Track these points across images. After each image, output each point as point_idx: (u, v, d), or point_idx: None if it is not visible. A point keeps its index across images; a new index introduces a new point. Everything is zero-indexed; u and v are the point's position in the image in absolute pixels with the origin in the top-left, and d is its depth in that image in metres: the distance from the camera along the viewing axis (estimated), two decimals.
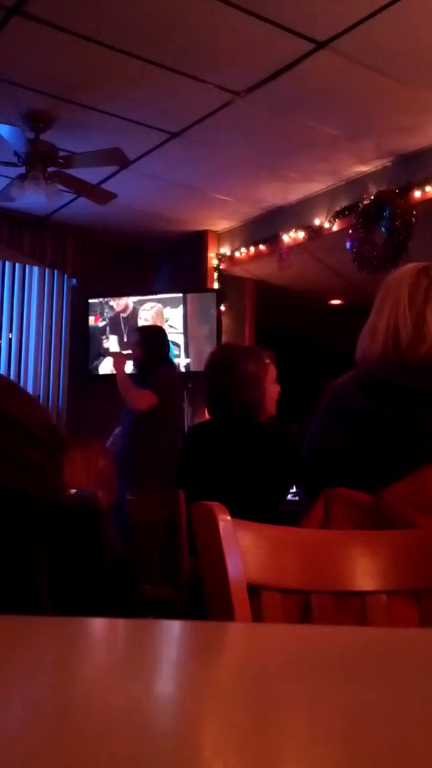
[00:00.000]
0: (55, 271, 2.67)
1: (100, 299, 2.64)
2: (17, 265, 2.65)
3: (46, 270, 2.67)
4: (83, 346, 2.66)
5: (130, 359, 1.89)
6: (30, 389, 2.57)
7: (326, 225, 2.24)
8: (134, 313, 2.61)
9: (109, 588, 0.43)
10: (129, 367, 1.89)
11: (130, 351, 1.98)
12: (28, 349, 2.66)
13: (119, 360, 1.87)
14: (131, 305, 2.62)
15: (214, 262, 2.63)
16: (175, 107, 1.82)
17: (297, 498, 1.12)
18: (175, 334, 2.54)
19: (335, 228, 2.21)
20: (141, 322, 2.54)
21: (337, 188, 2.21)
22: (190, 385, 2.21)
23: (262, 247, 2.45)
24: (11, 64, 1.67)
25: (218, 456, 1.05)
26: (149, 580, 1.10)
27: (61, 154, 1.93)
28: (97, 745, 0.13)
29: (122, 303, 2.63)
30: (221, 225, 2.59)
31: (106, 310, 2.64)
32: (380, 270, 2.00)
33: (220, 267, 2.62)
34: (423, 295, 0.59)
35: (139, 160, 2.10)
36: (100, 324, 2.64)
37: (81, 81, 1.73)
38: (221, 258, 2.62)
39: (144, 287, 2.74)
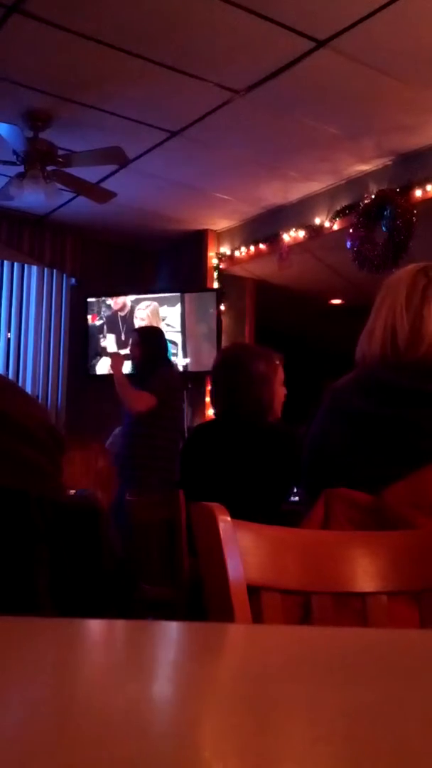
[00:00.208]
0: (54, 270, 2.67)
1: (98, 298, 2.63)
2: (16, 264, 2.65)
3: (45, 269, 2.67)
4: (82, 345, 2.65)
5: (127, 359, 1.88)
6: (29, 389, 2.56)
7: (327, 224, 2.24)
8: (132, 312, 2.60)
9: (109, 588, 0.42)
10: (127, 367, 1.88)
11: (127, 351, 1.97)
12: (26, 348, 2.65)
13: (117, 360, 1.86)
14: (129, 304, 2.61)
15: (214, 261, 2.63)
16: (174, 106, 1.81)
17: (298, 498, 1.12)
18: (172, 332, 2.54)
19: (336, 227, 2.20)
20: (137, 322, 2.53)
21: (338, 187, 2.21)
22: (189, 386, 2.21)
23: (262, 246, 2.44)
24: (10, 63, 1.67)
25: (225, 456, 1.05)
26: (149, 581, 1.09)
27: (61, 152, 1.92)
28: (96, 745, 0.13)
29: (120, 302, 2.62)
30: (221, 224, 2.59)
31: (103, 309, 2.63)
32: (381, 269, 2.00)
33: (220, 266, 2.62)
34: (420, 295, 0.59)
35: (139, 159, 2.10)
36: (98, 323, 2.64)
37: (80, 79, 1.72)
38: (221, 257, 2.61)
39: (143, 287, 2.74)
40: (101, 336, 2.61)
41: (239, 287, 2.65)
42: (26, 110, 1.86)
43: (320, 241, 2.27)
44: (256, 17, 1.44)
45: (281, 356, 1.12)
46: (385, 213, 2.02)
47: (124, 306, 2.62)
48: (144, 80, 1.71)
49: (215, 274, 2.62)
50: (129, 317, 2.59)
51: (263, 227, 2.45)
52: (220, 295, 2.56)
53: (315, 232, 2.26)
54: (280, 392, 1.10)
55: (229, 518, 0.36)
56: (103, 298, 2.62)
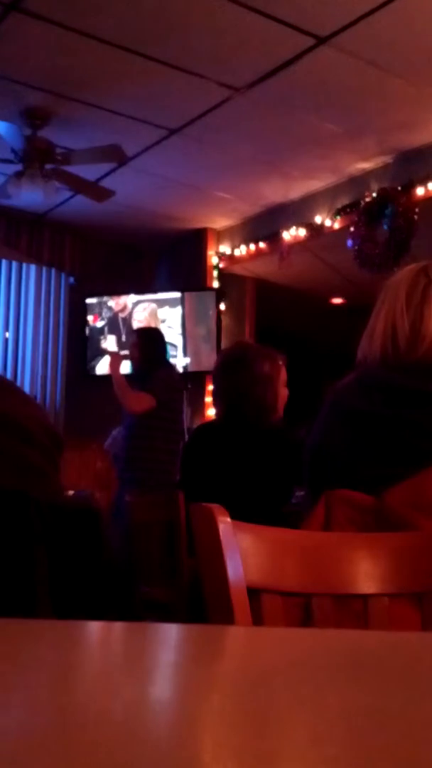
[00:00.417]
0: (53, 269, 2.67)
1: (99, 299, 2.63)
2: (14, 263, 2.64)
3: (44, 268, 2.66)
4: (81, 345, 2.65)
5: (126, 360, 1.87)
6: (27, 389, 2.56)
7: (327, 223, 2.23)
8: (132, 313, 2.60)
9: (108, 589, 0.42)
10: (125, 368, 1.88)
11: (126, 352, 1.97)
12: (25, 348, 2.65)
13: (115, 360, 1.85)
14: (129, 305, 2.61)
15: (214, 260, 2.63)
16: (174, 104, 1.81)
17: (299, 499, 1.12)
18: (172, 334, 2.53)
19: (336, 226, 2.19)
20: (135, 324, 2.53)
21: (339, 185, 2.20)
22: (189, 386, 2.21)
23: (262, 245, 2.44)
24: (9, 61, 1.66)
25: (227, 457, 1.05)
26: (149, 582, 1.09)
27: (59, 150, 1.92)
28: (96, 748, 0.13)
29: (121, 303, 2.62)
30: (221, 223, 2.58)
31: (105, 310, 2.63)
32: (382, 268, 1.99)
33: (220, 265, 2.61)
34: (420, 294, 0.59)
35: (138, 157, 2.09)
36: (99, 324, 2.64)
37: (79, 77, 1.72)
38: (221, 256, 2.61)
39: (142, 286, 2.74)
40: (102, 337, 2.61)
41: (239, 286, 2.65)
42: (25, 108, 1.85)
43: (321, 240, 2.27)
44: (257, 14, 1.44)
45: (284, 357, 1.11)
46: (387, 211, 2.01)
47: (125, 307, 2.62)
48: (143, 78, 1.70)
49: (215, 273, 2.62)
50: (129, 318, 2.59)
51: (263, 226, 2.44)
52: (220, 295, 2.56)
53: (316, 230, 2.26)
54: (283, 393, 1.09)
55: (228, 519, 0.36)
56: (105, 299, 2.62)
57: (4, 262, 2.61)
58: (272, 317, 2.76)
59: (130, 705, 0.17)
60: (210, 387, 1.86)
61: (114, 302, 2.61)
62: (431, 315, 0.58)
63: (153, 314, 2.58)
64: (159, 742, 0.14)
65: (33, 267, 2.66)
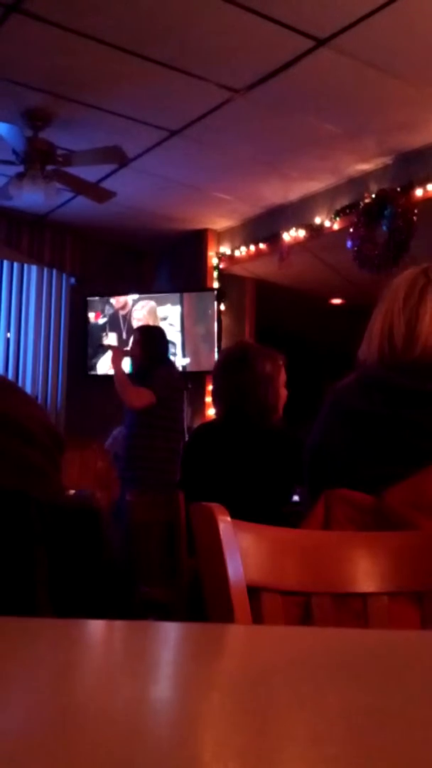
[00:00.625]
0: (54, 270, 2.67)
1: (98, 298, 2.63)
2: (15, 264, 2.64)
3: (45, 269, 2.67)
4: (82, 345, 2.66)
5: (127, 356, 1.87)
6: (28, 389, 2.56)
7: (327, 224, 2.23)
8: (132, 311, 2.61)
9: (108, 589, 0.42)
10: (127, 365, 1.88)
11: (128, 348, 1.97)
12: (26, 348, 2.65)
13: (117, 355, 1.85)
14: (130, 303, 2.62)
15: (214, 261, 2.63)
16: (174, 105, 1.81)
17: (298, 499, 1.12)
18: (173, 332, 2.53)
19: (336, 227, 2.20)
20: (135, 322, 2.54)
21: (338, 186, 2.21)
22: (189, 386, 2.22)
23: (262, 246, 2.44)
24: (10, 62, 1.67)
25: (227, 457, 1.05)
26: (149, 581, 1.09)
27: (60, 152, 1.92)
28: (96, 746, 0.13)
29: (121, 300, 2.63)
30: (221, 224, 2.59)
31: (107, 308, 2.63)
32: (381, 269, 2.00)
33: (220, 266, 2.62)
34: (417, 295, 0.60)
35: (139, 159, 2.09)
36: (101, 321, 2.64)
37: (80, 79, 1.72)
38: (221, 257, 2.61)
39: (143, 286, 2.74)
40: (104, 334, 2.61)
41: (239, 287, 2.65)
42: (26, 109, 1.86)
43: (320, 240, 2.27)
44: (256, 16, 1.44)
45: (284, 357, 1.11)
46: (386, 212, 2.02)
47: (125, 305, 2.62)
48: (143, 79, 1.70)
49: (215, 273, 2.62)
50: (129, 316, 2.59)
51: (263, 227, 2.45)
52: (220, 295, 2.56)
53: (315, 231, 2.26)
54: (283, 393, 1.10)
55: (229, 519, 0.36)
56: (106, 297, 2.62)
57: (5, 262, 2.62)
58: (272, 318, 2.76)
59: (130, 703, 0.17)
60: (210, 387, 1.86)
61: (115, 299, 2.61)
62: (426, 314, 0.58)
63: (152, 312, 2.58)
64: (159, 741, 0.14)
65: (34, 268, 2.67)
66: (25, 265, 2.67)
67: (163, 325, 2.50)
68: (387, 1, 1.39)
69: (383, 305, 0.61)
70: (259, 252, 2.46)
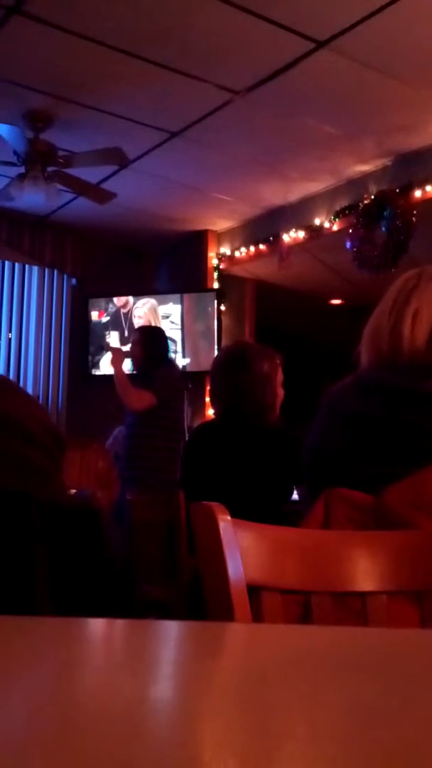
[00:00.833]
0: (55, 270, 2.67)
1: (98, 298, 2.64)
2: (17, 264, 2.65)
3: (46, 270, 2.67)
4: (83, 346, 2.66)
5: (128, 357, 1.88)
6: (29, 389, 2.57)
7: (326, 225, 2.24)
8: (133, 310, 2.62)
9: (109, 588, 0.42)
10: (127, 365, 1.88)
11: (128, 348, 1.97)
12: (27, 349, 2.66)
13: (117, 356, 1.84)
14: (131, 301, 2.62)
15: (214, 261, 2.63)
16: (174, 106, 1.81)
17: (298, 498, 1.13)
18: (174, 330, 2.53)
19: (335, 228, 2.20)
20: (136, 320, 2.54)
21: (338, 188, 2.21)
22: (189, 386, 2.22)
23: (262, 246, 2.44)
24: (11, 64, 1.67)
25: (227, 456, 1.05)
26: (149, 580, 1.09)
27: (61, 153, 1.92)
28: (97, 745, 0.13)
29: (123, 299, 2.63)
30: (221, 224, 2.59)
31: (110, 306, 2.64)
32: (380, 270, 2.00)
33: (220, 267, 2.62)
34: (405, 296, 0.60)
35: (139, 160, 2.10)
36: (104, 319, 2.64)
37: (80, 80, 1.72)
38: (221, 258, 2.61)
39: (143, 287, 2.75)
40: (107, 333, 2.62)
41: (239, 287, 2.65)
42: (27, 111, 1.86)
43: (320, 241, 2.27)
44: (256, 18, 1.44)
45: (281, 357, 1.11)
46: (385, 213, 2.02)
47: (126, 303, 2.63)
48: (144, 81, 1.71)
49: (215, 274, 2.62)
50: (131, 314, 2.60)
51: (263, 228, 2.45)
52: (219, 296, 2.57)
53: (315, 232, 2.26)
54: (280, 393, 1.10)
55: (229, 518, 0.36)
56: (107, 297, 2.63)
57: (6, 263, 2.62)
58: (272, 318, 2.76)
59: (130, 702, 0.17)
60: (210, 384, 1.86)
61: (116, 298, 2.62)
62: (408, 315, 0.59)
63: (152, 310, 2.59)
64: (159, 740, 0.14)
65: (35, 268, 2.67)
66: (27, 266, 2.67)
67: (165, 322, 2.51)
68: (386, 3, 1.39)
69: (377, 308, 0.62)
70: (258, 253, 2.46)
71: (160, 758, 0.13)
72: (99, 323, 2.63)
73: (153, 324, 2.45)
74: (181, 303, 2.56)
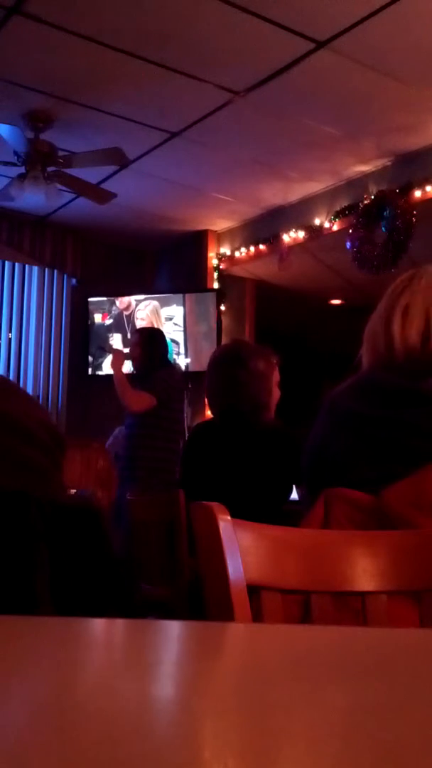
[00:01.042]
0: (55, 270, 2.67)
1: (99, 298, 2.64)
2: (17, 264, 2.65)
3: (46, 270, 2.67)
4: (83, 346, 2.66)
5: (128, 358, 1.88)
6: (30, 389, 2.57)
7: (326, 225, 2.24)
8: (135, 311, 2.63)
9: (109, 588, 0.42)
10: (128, 367, 1.88)
11: (128, 350, 1.98)
12: (27, 349, 2.66)
13: (117, 358, 1.85)
14: (133, 303, 2.63)
15: (214, 261, 2.63)
16: (174, 107, 1.82)
17: (298, 498, 1.13)
18: (177, 331, 2.53)
19: (335, 228, 2.21)
20: (138, 322, 2.55)
21: (337, 188, 2.21)
22: (189, 386, 2.22)
23: (262, 246, 2.45)
24: (11, 64, 1.67)
25: (226, 456, 1.05)
26: (149, 580, 1.09)
27: (61, 153, 1.92)
28: (97, 745, 0.13)
29: (125, 301, 2.63)
30: (221, 225, 2.59)
31: (114, 309, 2.64)
32: (380, 270, 2.00)
33: (220, 267, 2.62)
34: (396, 296, 0.60)
35: (139, 160, 2.10)
36: (107, 322, 2.64)
37: (81, 80, 1.72)
38: (221, 258, 2.62)
39: (144, 287, 2.75)
40: (110, 335, 2.62)
41: (239, 287, 2.65)
42: (27, 111, 1.86)
43: (320, 241, 2.27)
44: (256, 18, 1.44)
45: (278, 357, 1.11)
46: (385, 213, 2.02)
47: (129, 305, 2.63)
48: (144, 81, 1.71)
49: (215, 274, 2.63)
50: (134, 316, 2.60)
51: (263, 228, 2.45)
52: (220, 296, 2.57)
53: (315, 232, 2.27)
54: (276, 393, 1.10)
55: (229, 518, 0.36)
56: (112, 298, 2.63)
57: (7, 263, 2.62)
58: (272, 318, 2.77)
59: (131, 702, 0.17)
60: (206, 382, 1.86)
61: (119, 300, 2.62)
62: (397, 315, 0.59)
63: (155, 312, 2.59)
64: (160, 739, 0.14)
65: (35, 268, 2.67)
66: (27, 266, 2.67)
67: (168, 324, 2.51)
68: (385, 4, 1.39)
69: (375, 310, 0.62)
70: (258, 253, 2.46)
71: (160, 758, 0.13)
72: (102, 325, 2.64)
73: (155, 326, 2.45)
74: (184, 305, 2.56)
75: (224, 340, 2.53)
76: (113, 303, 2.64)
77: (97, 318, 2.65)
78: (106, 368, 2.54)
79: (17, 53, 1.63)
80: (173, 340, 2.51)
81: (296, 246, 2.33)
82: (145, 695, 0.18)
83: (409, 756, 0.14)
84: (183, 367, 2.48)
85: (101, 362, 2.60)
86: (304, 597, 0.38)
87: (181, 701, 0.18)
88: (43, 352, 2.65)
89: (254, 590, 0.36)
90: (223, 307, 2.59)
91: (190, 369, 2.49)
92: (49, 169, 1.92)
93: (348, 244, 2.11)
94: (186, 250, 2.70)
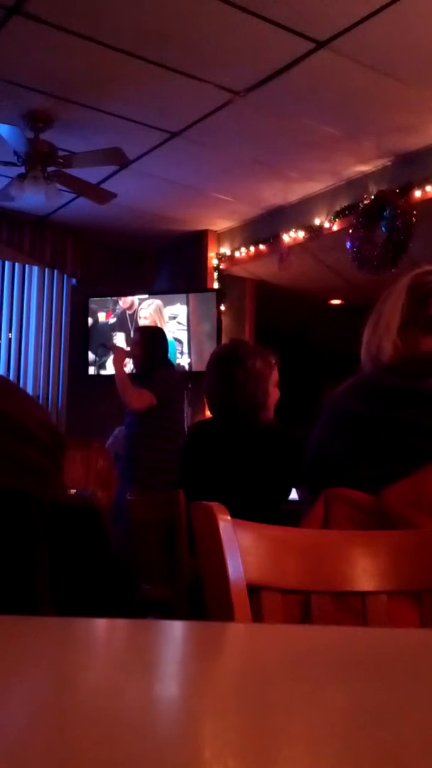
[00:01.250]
0: (55, 270, 2.68)
1: (109, 297, 2.64)
2: (17, 264, 2.65)
3: (46, 270, 2.67)
4: (83, 346, 2.66)
5: (130, 357, 1.88)
6: (30, 389, 2.57)
7: (326, 225, 2.24)
8: (138, 311, 2.63)
9: (109, 588, 0.43)
10: (129, 365, 1.88)
11: (129, 349, 1.98)
12: (27, 349, 2.66)
13: (119, 356, 1.85)
14: (136, 303, 2.63)
15: (214, 261, 2.63)
16: (174, 107, 1.82)
17: (297, 498, 1.12)
18: (180, 330, 2.53)
19: (335, 228, 2.21)
20: (141, 322, 2.55)
21: (337, 188, 2.22)
22: (189, 385, 2.21)
23: (262, 246, 2.45)
24: (11, 64, 1.67)
25: (224, 456, 1.05)
26: (149, 580, 1.09)
27: (61, 153, 1.93)
28: (97, 745, 0.13)
29: (128, 301, 2.63)
30: (221, 225, 2.59)
31: (117, 308, 2.64)
32: (380, 270, 2.00)
33: (220, 267, 2.62)
34: (383, 299, 0.61)
35: (139, 160, 2.10)
36: (111, 320, 2.64)
37: (81, 80, 1.72)
38: (221, 258, 2.62)
39: (144, 287, 2.75)
40: (113, 334, 2.62)
41: (239, 287, 2.65)
42: (27, 111, 1.86)
43: (320, 241, 2.27)
44: (256, 18, 1.44)
45: (277, 357, 1.11)
46: (385, 213, 2.02)
47: (132, 305, 2.63)
48: (144, 81, 1.71)
49: (215, 274, 2.63)
50: (137, 315, 2.61)
51: (263, 228, 2.45)
52: (220, 296, 2.57)
53: (315, 232, 2.27)
54: (274, 393, 1.09)
55: (229, 518, 0.36)
56: (115, 298, 2.63)
57: (7, 263, 2.62)
58: (272, 318, 2.77)
59: (130, 701, 0.17)
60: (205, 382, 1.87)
61: (122, 300, 2.63)
62: (383, 316, 0.60)
63: (158, 311, 2.59)
64: (159, 740, 0.14)
65: (35, 268, 2.67)
66: (27, 266, 2.67)
67: (172, 323, 2.51)
68: (386, 3, 1.39)
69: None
70: (258, 253, 2.46)
71: (160, 758, 0.13)
72: (106, 324, 2.64)
73: (158, 325, 2.46)
74: (187, 304, 2.55)
75: (224, 340, 2.53)
76: (117, 302, 2.64)
77: (101, 316, 2.65)
78: (110, 367, 2.54)
79: (17, 53, 1.63)
80: (177, 339, 2.51)
81: (296, 246, 2.33)
82: (145, 695, 0.18)
83: (409, 756, 0.14)
84: (186, 367, 2.48)
85: (105, 361, 2.60)
86: (304, 597, 0.38)
87: (181, 701, 0.18)
88: (43, 352, 2.65)
89: (254, 590, 0.36)
90: (223, 307, 2.59)
91: (193, 368, 2.49)
92: (49, 169, 1.92)
93: (348, 244, 2.11)
94: (186, 250, 2.70)
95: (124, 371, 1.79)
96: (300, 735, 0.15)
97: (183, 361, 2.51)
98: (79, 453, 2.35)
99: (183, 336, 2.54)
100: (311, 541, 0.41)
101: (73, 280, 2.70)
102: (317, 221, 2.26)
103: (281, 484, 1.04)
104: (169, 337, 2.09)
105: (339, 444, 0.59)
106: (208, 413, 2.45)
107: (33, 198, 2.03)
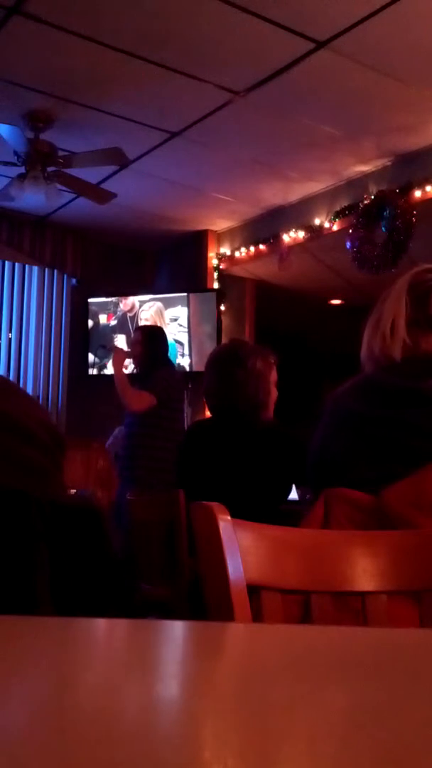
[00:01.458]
0: (55, 270, 2.68)
1: (111, 298, 2.64)
2: (17, 264, 2.65)
3: (46, 270, 2.67)
4: (83, 346, 2.66)
5: (129, 358, 1.88)
6: (30, 389, 2.57)
7: (326, 225, 2.24)
8: (139, 313, 2.63)
9: (109, 588, 0.43)
10: (129, 368, 1.88)
11: (128, 349, 1.98)
12: (27, 349, 2.66)
13: (118, 357, 1.85)
14: (137, 305, 2.63)
15: (214, 261, 2.63)
16: (174, 107, 1.82)
17: (297, 498, 1.12)
18: (181, 332, 2.53)
19: (335, 228, 2.21)
20: (142, 323, 2.55)
21: (337, 188, 2.22)
22: (189, 385, 2.21)
23: (262, 246, 2.45)
24: (11, 64, 1.67)
25: (224, 455, 1.05)
26: (149, 580, 1.09)
27: (61, 153, 1.93)
28: (97, 745, 0.13)
29: (129, 303, 2.63)
30: (221, 225, 2.59)
31: (119, 310, 2.65)
32: (380, 270, 2.00)
33: (220, 267, 2.62)
34: (386, 295, 0.61)
35: (139, 160, 2.10)
36: (112, 323, 2.64)
37: (81, 80, 1.73)
38: (221, 258, 2.62)
39: (144, 287, 2.75)
40: (114, 336, 2.63)
41: (239, 287, 2.65)
42: (27, 111, 1.86)
43: (320, 241, 2.28)
44: (256, 18, 1.44)
45: (276, 357, 1.11)
46: (385, 213, 2.02)
47: (132, 307, 2.64)
48: (144, 81, 1.71)
49: (215, 274, 2.63)
50: (137, 317, 2.61)
51: (263, 228, 2.45)
52: (219, 296, 2.57)
53: (315, 232, 2.27)
54: (273, 392, 1.09)
55: (229, 518, 0.36)
56: (115, 299, 2.63)
57: (7, 263, 2.62)
58: (272, 318, 2.77)
59: (130, 702, 0.17)
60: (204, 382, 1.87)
61: (122, 302, 2.63)
62: (384, 313, 0.59)
63: (159, 312, 2.59)
64: (159, 740, 0.14)
65: (35, 268, 2.67)
66: (27, 266, 2.67)
67: (173, 326, 2.51)
68: (386, 3, 1.39)
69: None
70: (258, 253, 2.47)
71: (160, 758, 0.13)
72: (107, 326, 2.64)
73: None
74: (188, 305, 2.56)
75: (224, 340, 2.53)
76: (118, 304, 2.64)
77: (102, 318, 2.65)
78: (111, 368, 2.54)
79: (17, 53, 1.63)
80: (177, 341, 2.51)
81: (296, 246, 2.33)
82: (145, 695, 0.18)
83: (409, 756, 0.14)
84: (186, 368, 2.48)
85: (105, 362, 2.60)
86: (304, 597, 0.38)
87: (181, 701, 0.18)
88: (43, 352, 2.65)
89: (254, 590, 0.36)
90: (223, 307, 2.59)
91: (194, 369, 2.49)
92: (49, 169, 1.92)
93: (348, 244, 2.11)
94: (186, 250, 2.70)
95: (123, 372, 1.79)
96: (300, 735, 0.15)
97: (184, 362, 2.51)
98: (79, 453, 2.35)
99: (184, 338, 2.54)
100: (311, 541, 0.41)
101: (73, 280, 2.71)
102: (317, 221, 2.26)
103: (281, 484, 1.04)
104: (171, 339, 2.09)
105: (339, 444, 0.59)
106: (208, 413, 2.46)
107: (33, 198, 2.03)
